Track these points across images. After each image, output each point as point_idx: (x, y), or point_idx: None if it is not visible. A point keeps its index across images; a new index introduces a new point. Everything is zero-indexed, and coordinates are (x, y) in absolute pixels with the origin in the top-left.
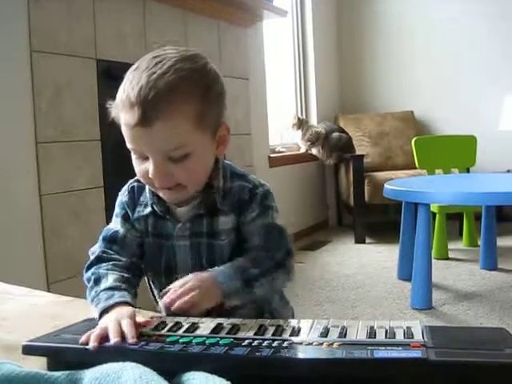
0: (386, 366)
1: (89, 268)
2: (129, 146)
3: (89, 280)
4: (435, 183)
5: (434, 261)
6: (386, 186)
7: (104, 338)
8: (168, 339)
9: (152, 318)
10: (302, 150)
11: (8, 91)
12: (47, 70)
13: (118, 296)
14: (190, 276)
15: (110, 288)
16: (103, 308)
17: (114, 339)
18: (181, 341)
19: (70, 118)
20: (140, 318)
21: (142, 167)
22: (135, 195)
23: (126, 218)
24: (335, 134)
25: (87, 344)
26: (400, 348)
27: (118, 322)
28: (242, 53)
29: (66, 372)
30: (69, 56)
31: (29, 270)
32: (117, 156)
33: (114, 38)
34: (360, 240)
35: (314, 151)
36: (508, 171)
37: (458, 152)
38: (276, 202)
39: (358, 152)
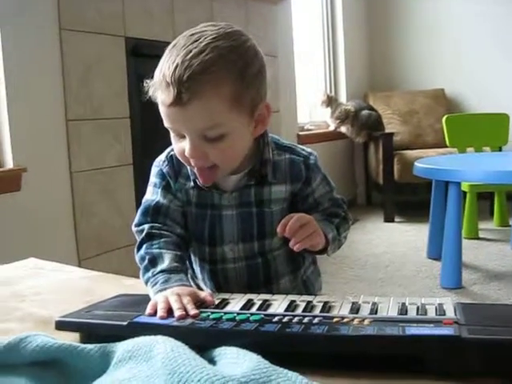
0: (417, 343)
1: (140, 246)
2: (166, 124)
3: (143, 259)
4: (466, 161)
5: (464, 240)
6: (416, 164)
7: (169, 310)
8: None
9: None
10: (331, 128)
11: (38, 69)
12: (76, 48)
13: (174, 280)
14: (300, 215)
15: (168, 270)
16: (160, 290)
17: (177, 312)
18: (211, 317)
19: (100, 95)
20: (206, 294)
21: (180, 145)
22: (175, 165)
23: (167, 188)
24: (365, 112)
25: (154, 315)
26: (432, 325)
27: (180, 297)
28: (270, 30)
29: (99, 345)
30: (97, 34)
31: (60, 247)
32: (146, 134)
33: (142, 15)
34: (389, 219)
35: (343, 129)
36: None
37: (490, 130)
38: None
39: (388, 130)
